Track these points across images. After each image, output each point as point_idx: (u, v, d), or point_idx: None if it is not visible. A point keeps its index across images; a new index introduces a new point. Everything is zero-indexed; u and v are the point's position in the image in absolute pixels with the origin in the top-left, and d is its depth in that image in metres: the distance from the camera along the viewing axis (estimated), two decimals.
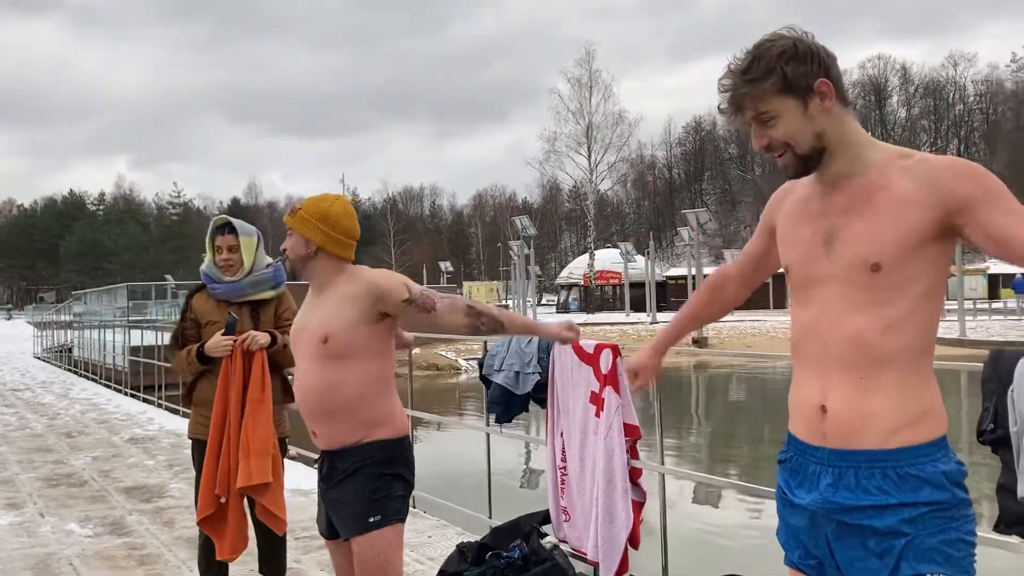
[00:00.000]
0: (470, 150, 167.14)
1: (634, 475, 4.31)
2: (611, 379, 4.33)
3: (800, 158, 1.77)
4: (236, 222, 3.90)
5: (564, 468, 4.72)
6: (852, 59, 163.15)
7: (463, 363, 23.46)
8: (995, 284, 50.05)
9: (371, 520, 2.67)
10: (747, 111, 1.77)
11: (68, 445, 9.57)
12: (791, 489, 1.84)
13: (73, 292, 36.08)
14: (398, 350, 2.95)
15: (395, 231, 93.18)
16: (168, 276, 68.39)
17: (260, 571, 4.07)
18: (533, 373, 4.78)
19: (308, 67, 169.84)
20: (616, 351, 4.37)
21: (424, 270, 62.78)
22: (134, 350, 15.72)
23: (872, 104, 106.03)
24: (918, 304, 1.71)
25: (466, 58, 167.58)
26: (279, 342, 3.81)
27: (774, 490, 1.97)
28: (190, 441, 4.01)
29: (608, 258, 54.11)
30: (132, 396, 14.84)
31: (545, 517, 4.77)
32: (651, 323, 34.12)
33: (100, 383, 17.63)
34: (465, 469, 10.57)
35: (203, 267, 3.94)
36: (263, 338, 3.74)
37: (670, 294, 50.72)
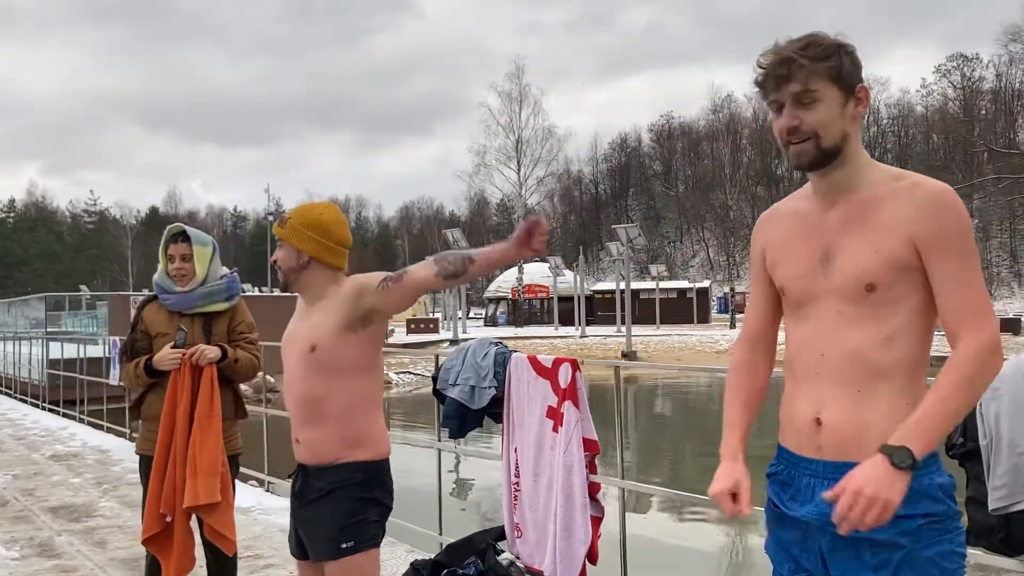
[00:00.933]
0: (395, 162, 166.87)
1: (592, 490, 4.29)
2: (570, 393, 4.31)
3: (821, 151, 1.76)
4: (191, 230, 3.77)
5: (517, 484, 4.68)
6: None
7: (394, 377, 23.25)
8: None
9: (344, 546, 2.58)
10: (794, 84, 1.74)
11: None
12: (783, 502, 1.83)
13: None
14: None
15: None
16: (83, 286, 66.30)
17: None
18: (489, 387, 4.73)
19: (229, 75, 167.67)
20: (575, 365, 4.36)
21: None
22: (52, 363, 15.11)
23: None
24: (913, 319, 1.73)
25: (390, 71, 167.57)
26: (230, 356, 3.69)
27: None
28: (137, 457, 3.85)
29: (537, 272, 54.35)
30: (51, 411, 14.25)
31: (500, 533, 4.72)
32: (580, 336, 34.36)
33: (15, 397, 16.90)
34: (410, 484, 10.44)
35: (155, 277, 3.80)
36: (212, 352, 3.62)
37: (597, 308, 51.17)
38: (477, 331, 41.28)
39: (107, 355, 15.69)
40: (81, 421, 12.58)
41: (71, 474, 8.33)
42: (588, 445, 4.29)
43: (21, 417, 13.50)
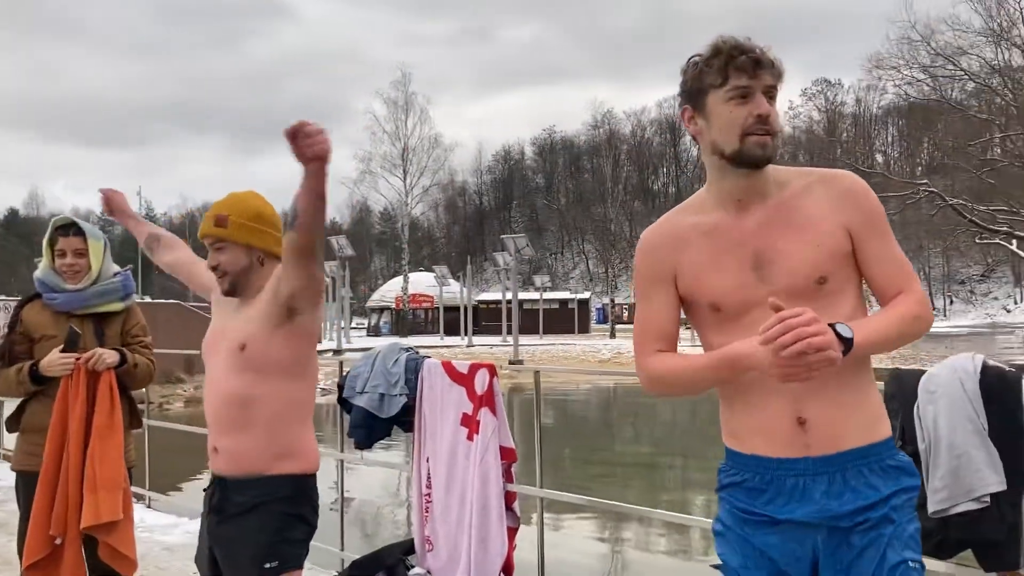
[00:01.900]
0: (272, 168, 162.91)
1: (509, 500, 4.17)
2: (487, 400, 4.18)
3: (775, 149, 1.78)
4: (83, 223, 3.45)
5: (429, 495, 4.51)
6: (649, 99, 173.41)
7: None
8: None
9: (267, 566, 2.37)
10: (767, 76, 1.77)
11: None
12: (759, 507, 1.79)
13: None
14: None
15: (194, 247, 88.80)
16: None
17: None
18: (399, 395, 4.54)
19: (96, 75, 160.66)
20: (493, 371, 4.23)
21: None
22: None
23: (668, 142, 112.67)
24: (855, 300, 1.81)
25: (266, 75, 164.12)
26: (129, 362, 3.39)
27: (647, 510, 1.92)
28: (13, 474, 3.48)
29: (422, 281, 53.98)
30: None
31: (409, 547, 4.53)
32: (467, 346, 34.29)
33: None
34: None
35: (38, 273, 3.45)
36: (111, 357, 3.31)
37: (482, 318, 51.21)
38: (360, 341, 40.58)
39: None
40: None
41: None
42: (505, 453, 4.16)
43: None
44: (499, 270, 43.33)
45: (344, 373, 4.88)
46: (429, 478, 4.50)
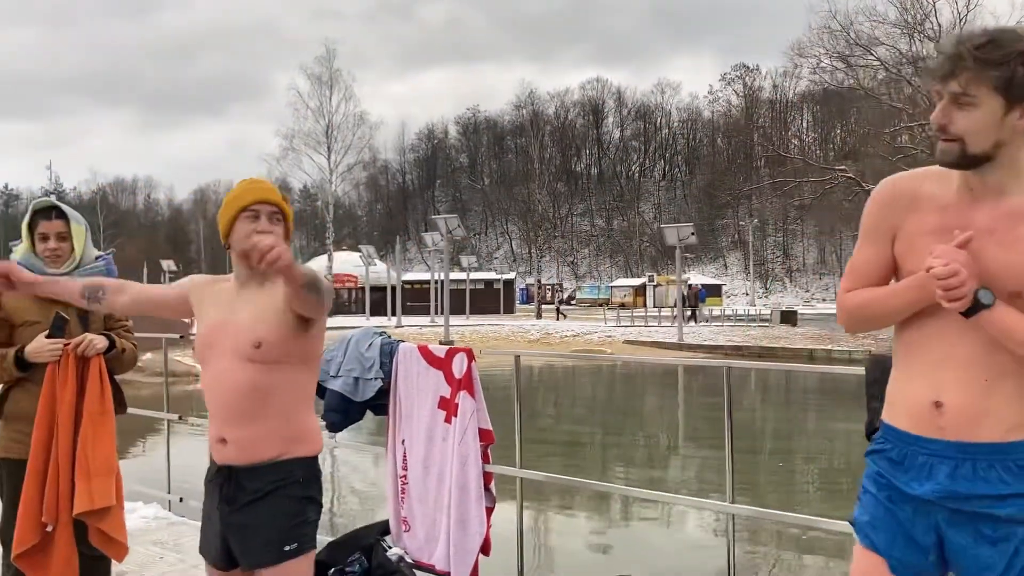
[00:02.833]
0: (184, 143, 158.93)
1: (486, 480, 4.26)
2: (466, 383, 4.26)
3: (965, 156, 1.76)
4: (64, 207, 3.39)
5: (405, 476, 4.57)
6: (573, 80, 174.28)
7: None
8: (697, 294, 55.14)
9: (287, 549, 2.39)
10: (954, 83, 1.72)
11: None
12: (895, 478, 1.88)
13: None
14: None
15: (105, 225, 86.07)
16: None
17: None
18: (375, 379, 4.58)
19: None
20: (471, 355, 4.30)
21: (145, 269, 58.41)
22: None
23: (591, 123, 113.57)
24: None
25: (176, 47, 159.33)
26: (118, 347, 3.36)
27: (620, 488, 1.96)
28: None
29: (347, 261, 53.35)
30: None
31: (385, 528, 4.59)
32: (396, 326, 34.13)
33: None
34: None
35: (16, 258, 3.37)
36: (101, 342, 3.27)
37: (408, 298, 51.05)
38: None
39: None
40: None
41: None
42: (483, 435, 4.25)
43: None
44: (426, 250, 43.10)
45: None
46: (405, 460, 4.56)
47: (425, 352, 4.48)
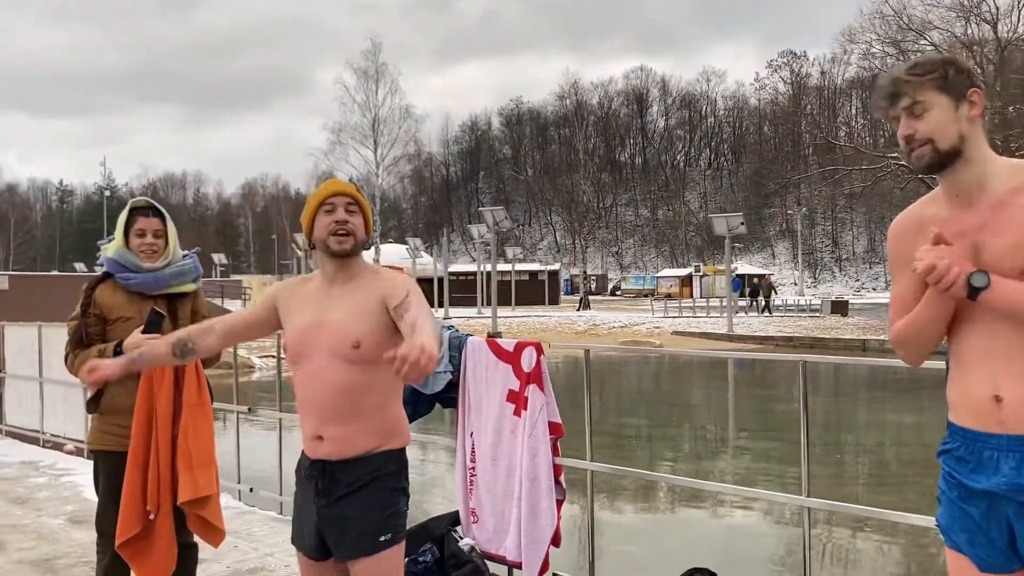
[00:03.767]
0: (229, 138, 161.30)
1: (556, 472, 4.32)
2: (535, 377, 4.32)
3: (939, 153, 1.92)
4: (159, 206, 3.52)
5: (473, 468, 4.65)
6: (615, 69, 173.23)
7: (256, 361, 22.49)
8: (743, 284, 54.59)
9: (381, 539, 2.47)
10: (904, 99, 1.94)
11: None
12: (964, 475, 1.94)
13: None
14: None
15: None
16: None
17: None
18: (444, 372, 4.66)
19: (44, 44, 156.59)
20: (539, 349, 4.36)
21: None
22: None
23: (634, 113, 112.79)
24: None
25: (219, 44, 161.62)
26: None
27: (695, 481, 2.01)
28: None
29: (393, 253, 53.72)
30: None
31: (455, 519, 4.68)
32: (444, 317, 34.30)
33: None
34: None
35: (110, 254, 3.48)
36: None
37: (454, 290, 51.30)
38: None
39: None
40: None
41: None
42: (553, 428, 4.31)
43: None
44: (471, 242, 43.19)
45: None
46: (473, 452, 4.64)
47: (494, 346, 4.55)
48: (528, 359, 4.36)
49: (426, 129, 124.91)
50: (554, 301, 54.28)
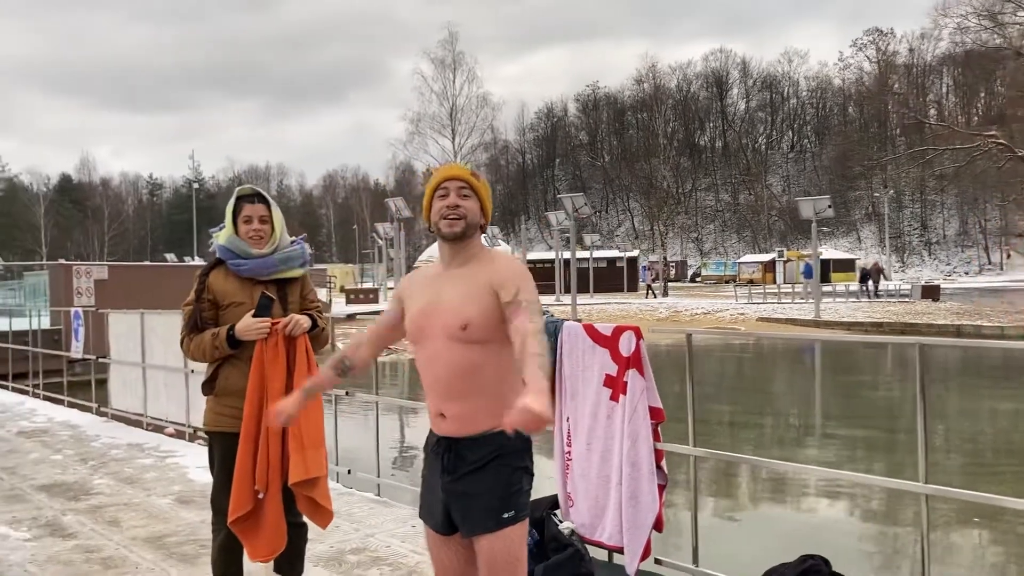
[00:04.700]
0: (309, 131, 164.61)
1: (657, 458, 4.29)
2: (635, 362, 4.28)
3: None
4: (265, 193, 3.60)
5: (569, 453, 4.65)
6: (691, 52, 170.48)
7: (341, 346, 22.91)
8: (826, 268, 53.34)
9: (505, 516, 2.50)
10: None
11: None
12: None
13: None
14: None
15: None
16: None
17: (278, 571, 3.79)
18: None
19: (132, 40, 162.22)
20: (639, 333, 4.33)
21: None
22: None
23: (714, 95, 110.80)
24: None
25: (298, 38, 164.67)
26: (320, 325, 3.56)
27: (809, 467, 1.94)
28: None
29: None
30: None
31: (554, 502, 4.69)
32: None
33: None
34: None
35: (222, 241, 3.57)
36: (306, 322, 3.48)
37: (532, 277, 51.41)
38: None
39: (49, 327, 15.08)
40: (36, 396, 12.05)
41: (49, 451, 7.97)
42: (653, 413, 4.27)
43: None
44: (548, 229, 43.14)
45: None
46: (569, 437, 4.64)
47: (590, 330, 4.53)
48: (627, 344, 4.33)
49: (502, 117, 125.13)
50: (632, 288, 53.86)
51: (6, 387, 13.30)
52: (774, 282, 53.23)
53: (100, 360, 10.18)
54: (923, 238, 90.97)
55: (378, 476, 6.29)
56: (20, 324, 15.29)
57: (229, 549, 3.53)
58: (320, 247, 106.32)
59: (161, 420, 8.80)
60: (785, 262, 60.78)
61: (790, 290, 42.07)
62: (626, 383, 4.31)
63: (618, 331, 4.40)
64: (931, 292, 37.70)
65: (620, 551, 4.29)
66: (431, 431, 2.65)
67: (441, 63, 51.33)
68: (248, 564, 3.60)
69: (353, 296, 41.14)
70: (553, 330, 4.70)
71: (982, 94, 77.31)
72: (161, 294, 14.50)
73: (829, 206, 29.80)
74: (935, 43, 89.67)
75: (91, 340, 10.65)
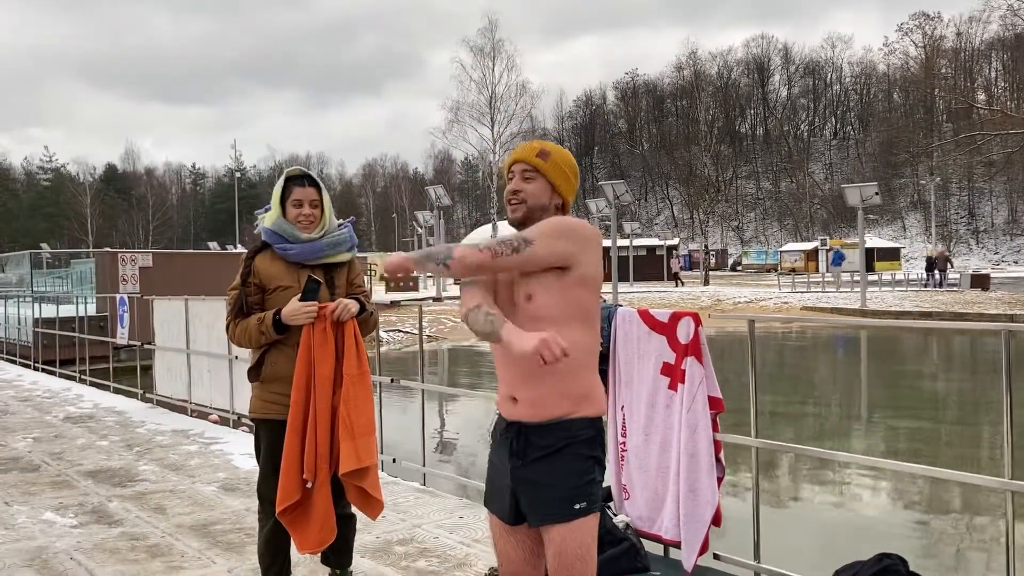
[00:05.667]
0: (347, 121, 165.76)
1: (716, 449, 4.12)
2: (693, 349, 4.12)
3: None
4: (315, 175, 3.47)
5: (624, 444, 4.50)
6: (732, 39, 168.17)
7: (384, 335, 22.95)
8: (871, 257, 52.40)
9: (577, 507, 2.37)
10: None
11: None
12: None
13: None
14: None
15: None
16: (44, 245, 64.58)
17: (324, 562, 3.69)
18: None
19: (172, 32, 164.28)
20: (697, 319, 4.15)
21: None
22: (45, 322, 14.66)
23: (755, 82, 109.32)
24: None
25: (335, 29, 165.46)
26: (368, 310, 3.43)
27: (871, 459, 1.78)
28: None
29: (511, 230, 53.90)
30: (45, 371, 13.79)
31: (607, 495, 4.54)
32: None
33: (2, 358, 16.38)
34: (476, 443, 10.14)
35: (268, 224, 3.45)
36: (355, 306, 3.35)
37: None
38: (455, 289, 40.89)
39: (96, 313, 15.27)
40: (83, 382, 12.16)
41: (95, 437, 7.99)
42: (713, 403, 4.10)
43: (16, 378, 13.01)
44: (589, 216, 42.87)
45: None
46: (624, 427, 4.49)
47: (646, 317, 4.37)
48: (685, 330, 4.16)
49: (540, 105, 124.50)
50: (673, 276, 53.37)
51: (54, 373, 13.46)
52: (817, 271, 52.39)
53: (145, 346, 10.22)
54: (970, 226, 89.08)
55: (423, 465, 6.19)
56: (67, 311, 15.48)
57: (276, 540, 3.43)
58: (360, 235, 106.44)
59: (205, 407, 8.80)
60: (828, 251, 59.84)
61: (833, 279, 41.37)
62: (684, 371, 4.14)
63: (676, 317, 4.23)
64: (980, 281, 36.81)
65: (677, 545, 4.13)
66: (499, 415, 2.54)
67: (480, 51, 51.05)
68: (294, 555, 3.51)
69: (393, 284, 41.21)
70: (606, 316, 4.54)
71: None
72: (204, 281, 14.57)
73: (876, 193, 29.15)
74: (984, 26, 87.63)
75: (136, 326, 10.70)
